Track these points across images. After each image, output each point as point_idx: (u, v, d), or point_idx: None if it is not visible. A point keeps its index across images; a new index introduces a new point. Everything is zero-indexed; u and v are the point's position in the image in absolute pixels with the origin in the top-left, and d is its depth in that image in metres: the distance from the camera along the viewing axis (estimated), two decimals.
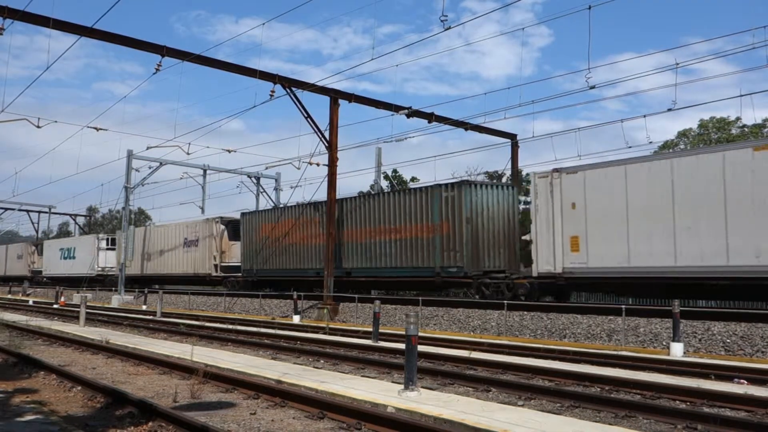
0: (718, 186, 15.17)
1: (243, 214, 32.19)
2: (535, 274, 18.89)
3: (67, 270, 49.03)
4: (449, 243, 21.00)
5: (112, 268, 43.99)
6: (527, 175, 31.28)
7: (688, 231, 15.63)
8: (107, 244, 45.62)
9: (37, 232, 67.99)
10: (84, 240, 49.21)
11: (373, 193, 27.04)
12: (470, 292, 21.23)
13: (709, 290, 16.51)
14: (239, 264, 32.26)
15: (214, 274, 34.22)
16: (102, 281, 44.63)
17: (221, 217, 35.05)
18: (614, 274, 17.03)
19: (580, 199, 17.90)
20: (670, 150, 38.00)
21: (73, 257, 48.57)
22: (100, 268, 45.45)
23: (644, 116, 21.54)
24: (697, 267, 15.40)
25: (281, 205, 31.68)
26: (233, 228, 34.00)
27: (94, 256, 45.76)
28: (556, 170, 18.74)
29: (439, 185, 21.90)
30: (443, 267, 21.15)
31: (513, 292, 19.58)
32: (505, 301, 18.02)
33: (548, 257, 18.49)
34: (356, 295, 22.86)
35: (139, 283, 39.14)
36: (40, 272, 54.23)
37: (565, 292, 19.75)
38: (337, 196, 24.49)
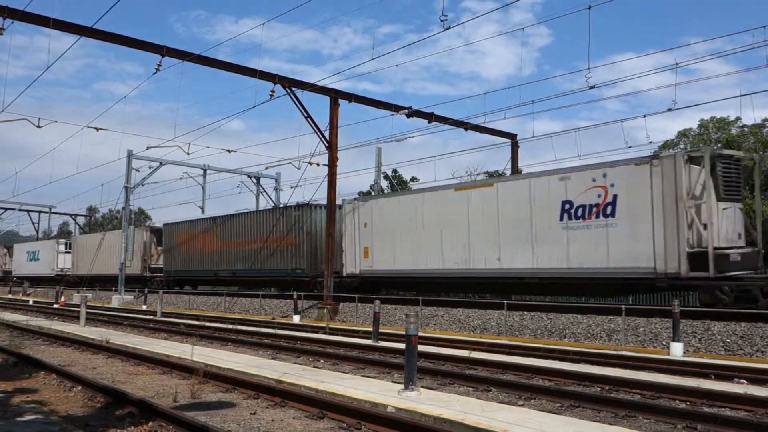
0: (441, 214, 21.23)
1: (165, 224, 37.42)
2: (344, 274, 24.86)
3: (33, 270, 54.67)
4: (296, 251, 27.09)
5: (68, 269, 49.97)
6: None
7: (425, 246, 21.69)
8: (65, 248, 51.39)
9: (37, 232, 67.91)
10: (46, 244, 54.94)
11: (250, 211, 32.41)
12: (311, 288, 26.90)
13: (437, 286, 22.81)
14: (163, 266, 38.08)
15: (144, 274, 39.37)
16: (60, 280, 48.80)
17: (150, 227, 40.89)
18: (387, 274, 23.42)
19: (369, 221, 23.96)
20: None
21: (38, 259, 54.25)
22: (59, 269, 50.72)
23: (644, 116, 21.68)
24: (428, 269, 21.55)
25: (191, 219, 35.72)
26: (159, 236, 38.98)
27: (54, 259, 51.36)
28: (356, 199, 25.27)
29: (290, 207, 28.09)
30: (292, 269, 27.39)
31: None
32: (505, 302, 18.07)
33: (352, 262, 24.67)
34: (356, 295, 22.91)
35: (89, 281, 45.05)
36: (11, 272, 59.92)
37: (363, 287, 24.89)
38: (337, 196, 24.56)
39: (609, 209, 17.05)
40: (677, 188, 15.67)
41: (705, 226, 15.37)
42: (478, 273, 19.95)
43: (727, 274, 15.38)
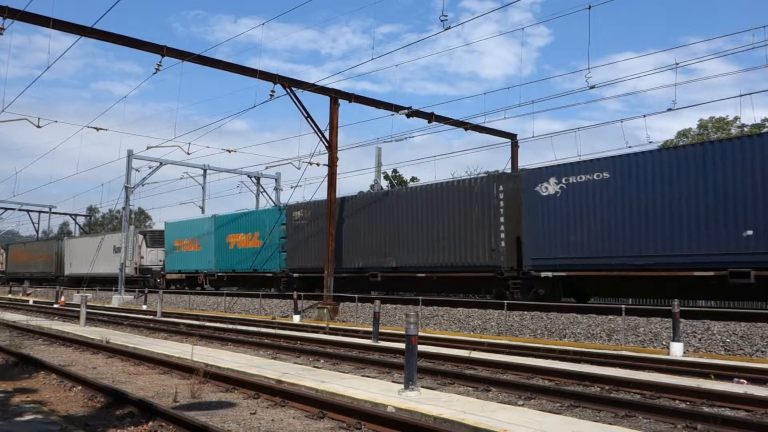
0: (92, 248, 45.20)
1: (9, 244, 66.26)
2: (72, 275, 47.29)
3: None
4: (50, 261, 52.41)
5: None
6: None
7: (89, 262, 44.70)
8: None
9: (37, 232, 67.99)
10: None
11: (39, 239, 62.39)
12: (56, 281, 48.79)
13: (93, 281, 44.25)
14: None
15: None
16: None
17: (4, 245, 68.33)
18: (83, 275, 45.27)
19: (73, 249, 49.30)
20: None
21: None
22: None
23: (644, 116, 21.79)
24: (91, 273, 44.78)
25: (28, 242, 63.18)
26: (7, 249, 65.45)
27: None
28: (72, 238, 49.66)
29: (50, 238, 56.19)
30: (49, 271, 52.33)
31: (100, 283, 44.15)
32: (505, 301, 18.09)
33: (76, 268, 46.51)
34: (356, 295, 22.92)
35: None
36: None
37: (72, 283, 46.72)
38: (337, 196, 24.55)
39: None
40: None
41: (142, 257, 39.14)
42: (101, 274, 42.76)
43: (147, 275, 39.06)
